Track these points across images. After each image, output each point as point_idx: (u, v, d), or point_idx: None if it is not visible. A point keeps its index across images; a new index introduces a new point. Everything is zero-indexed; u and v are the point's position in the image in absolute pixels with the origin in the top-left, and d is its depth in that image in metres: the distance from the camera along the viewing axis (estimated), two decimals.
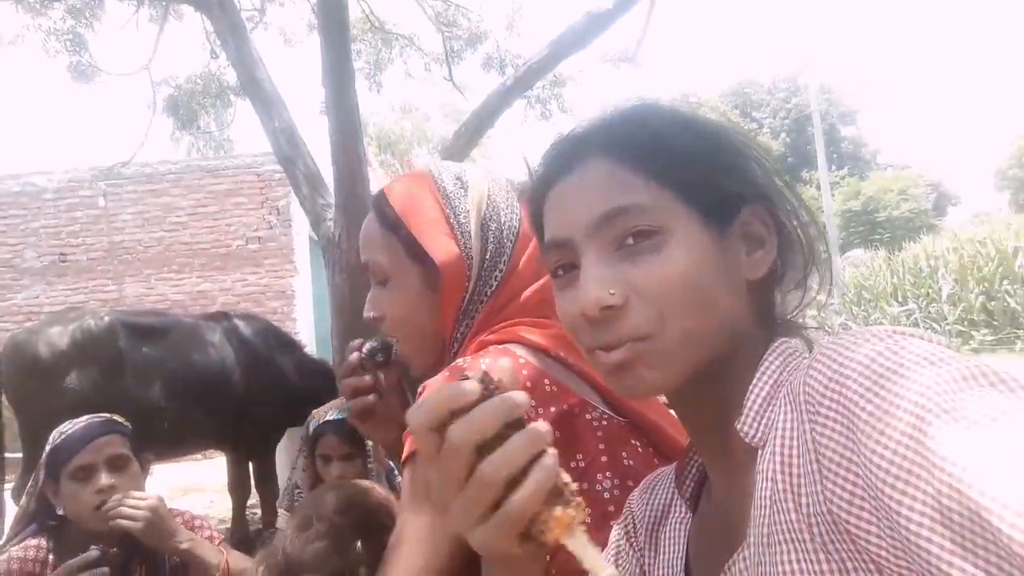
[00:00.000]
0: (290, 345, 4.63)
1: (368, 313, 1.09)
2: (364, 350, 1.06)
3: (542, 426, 0.52)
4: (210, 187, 10.00)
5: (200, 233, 9.94)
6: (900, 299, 12.93)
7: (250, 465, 4.39)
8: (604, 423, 0.90)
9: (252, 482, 4.40)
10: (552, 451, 0.52)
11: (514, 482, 0.50)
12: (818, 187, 20.25)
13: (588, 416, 0.90)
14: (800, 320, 0.71)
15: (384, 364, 1.06)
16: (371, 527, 0.96)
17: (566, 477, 0.53)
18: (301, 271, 9.84)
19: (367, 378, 1.08)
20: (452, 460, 0.51)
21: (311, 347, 8.24)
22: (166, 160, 10.50)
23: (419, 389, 0.92)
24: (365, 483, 1.12)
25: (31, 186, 10.09)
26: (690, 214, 0.63)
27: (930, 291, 12.45)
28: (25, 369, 3.86)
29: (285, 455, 4.24)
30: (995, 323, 11.11)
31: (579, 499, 0.53)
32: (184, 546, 1.57)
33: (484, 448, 0.50)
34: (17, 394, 3.91)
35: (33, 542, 1.57)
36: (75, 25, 7.27)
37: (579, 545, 0.52)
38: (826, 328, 0.76)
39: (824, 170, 19.22)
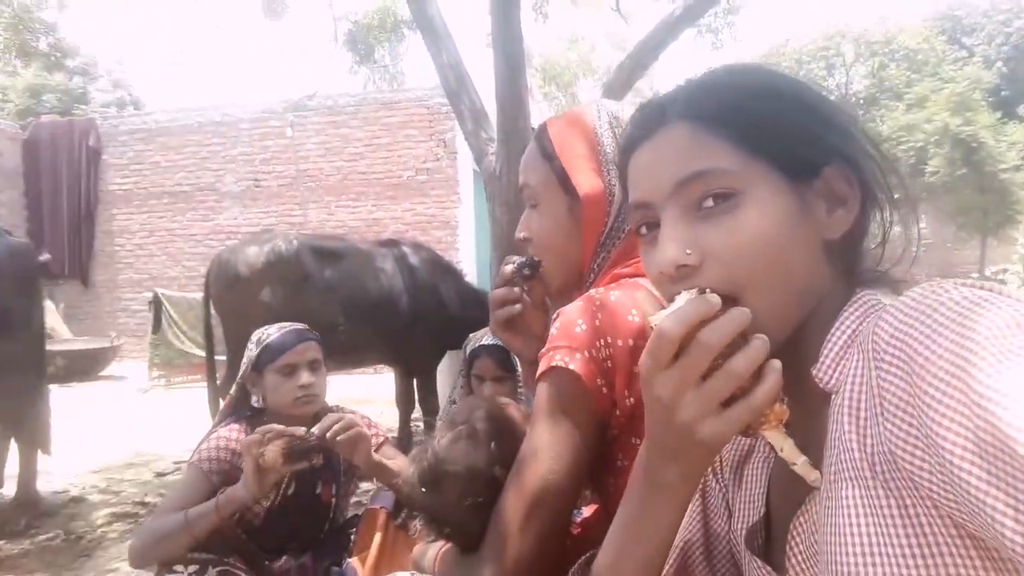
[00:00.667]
0: (452, 273, 4.88)
1: (519, 233, 1.19)
2: (515, 264, 1.17)
3: (764, 337, 0.60)
4: (384, 120, 10.50)
5: (375, 163, 10.52)
6: None
7: (414, 382, 4.75)
8: None
9: (416, 397, 4.76)
10: (776, 362, 0.61)
11: (751, 378, 0.59)
12: None
13: None
14: (885, 272, 0.71)
15: (530, 278, 1.16)
16: (505, 434, 1.08)
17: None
18: (464, 202, 10.18)
19: (515, 290, 1.19)
20: (699, 359, 0.59)
21: (471, 276, 8.63)
22: (345, 93, 11.14)
23: (554, 316, 1.00)
24: (505, 400, 1.23)
25: (229, 116, 11.10)
26: (769, 176, 0.65)
27: None
28: (228, 283, 4.41)
29: (447, 375, 4.55)
30: None
31: (785, 399, 0.61)
32: (376, 459, 1.75)
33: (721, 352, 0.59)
34: (221, 304, 4.49)
35: (236, 426, 1.85)
36: None
37: (782, 437, 0.62)
38: (910, 281, 0.74)
39: None
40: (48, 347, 4.13)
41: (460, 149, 9.77)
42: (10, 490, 3.73)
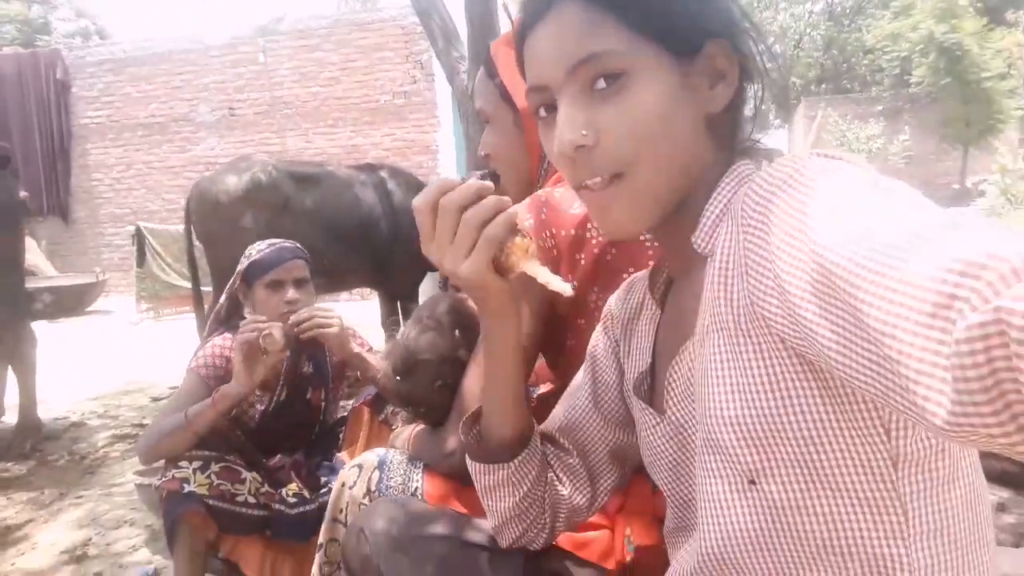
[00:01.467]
0: None
1: (481, 151, 1.29)
2: (475, 178, 1.27)
3: (505, 198, 0.74)
4: (358, 41, 10.24)
5: (351, 88, 10.32)
6: None
7: (398, 304, 4.87)
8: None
9: (400, 319, 4.89)
10: (513, 206, 0.74)
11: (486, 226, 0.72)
12: None
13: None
14: (758, 143, 0.79)
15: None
16: (465, 322, 1.21)
17: (523, 223, 0.73)
18: (444, 126, 10.09)
19: None
20: (445, 220, 0.73)
21: None
22: (317, 15, 10.83)
23: None
24: (463, 294, 1.34)
25: (198, 43, 10.79)
26: (658, 53, 0.69)
27: None
28: (209, 211, 4.46)
29: (429, 296, 4.68)
30: None
31: (531, 236, 0.74)
32: (356, 351, 1.92)
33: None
34: (203, 233, 4.55)
35: (229, 335, 1.96)
36: None
37: (534, 267, 0.73)
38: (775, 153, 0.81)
39: None
40: (34, 284, 4.22)
41: (437, 71, 9.61)
42: (12, 419, 3.87)
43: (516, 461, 0.89)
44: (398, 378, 1.21)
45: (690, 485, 0.79)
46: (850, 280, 0.48)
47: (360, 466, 1.17)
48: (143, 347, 6.69)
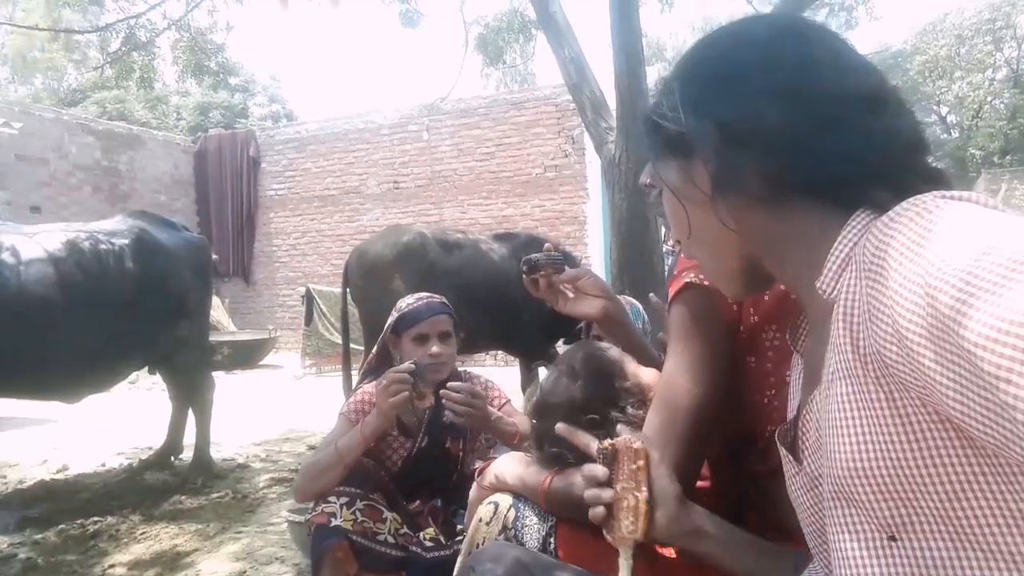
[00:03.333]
0: (569, 261, 5.06)
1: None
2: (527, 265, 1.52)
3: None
4: (514, 119, 10.79)
5: (505, 162, 10.83)
6: None
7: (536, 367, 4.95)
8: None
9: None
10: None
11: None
12: None
13: None
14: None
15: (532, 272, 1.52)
16: (602, 372, 1.20)
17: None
18: (592, 197, 10.27)
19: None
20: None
21: (599, 267, 8.71)
22: (477, 95, 11.54)
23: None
24: (604, 344, 1.35)
25: (371, 123, 11.82)
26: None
27: None
28: (363, 273, 4.82)
29: None
30: None
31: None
32: (491, 422, 1.93)
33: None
34: (358, 292, 4.91)
35: (376, 384, 2.08)
36: None
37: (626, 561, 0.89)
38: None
39: None
40: (216, 337, 4.72)
41: (588, 145, 9.86)
42: (188, 456, 4.28)
43: None
44: (533, 421, 1.24)
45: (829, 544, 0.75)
46: (962, 322, 0.46)
47: (496, 504, 1.19)
48: (304, 399, 7.17)
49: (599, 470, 0.90)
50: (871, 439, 0.61)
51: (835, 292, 0.68)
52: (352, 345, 5.19)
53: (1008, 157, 19.33)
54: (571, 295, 1.49)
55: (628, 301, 2.67)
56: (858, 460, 0.62)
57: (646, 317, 2.71)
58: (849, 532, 0.66)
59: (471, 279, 4.68)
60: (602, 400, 1.16)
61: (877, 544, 0.63)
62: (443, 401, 1.86)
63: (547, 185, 10.53)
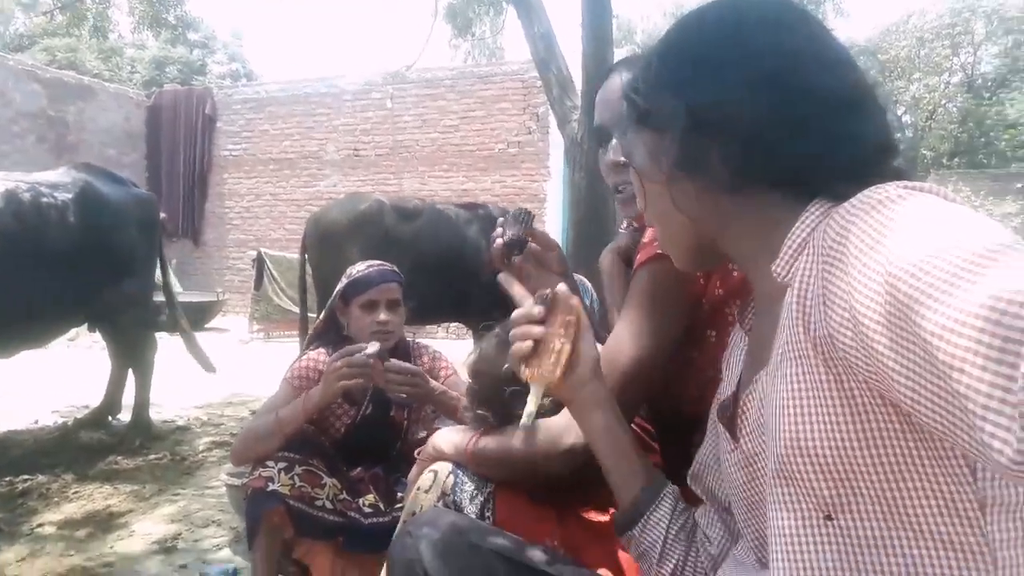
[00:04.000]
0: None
1: (615, 157, 1.33)
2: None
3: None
4: (480, 93, 10.70)
5: (468, 136, 10.76)
6: None
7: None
8: None
9: None
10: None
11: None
12: None
13: None
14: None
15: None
16: None
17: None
18: (554, 176, 10.29)
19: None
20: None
21: None
22: (444, 66, 11.40)
23: None
24: None
25: (334, 87, 11.58)
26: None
27: None
28: (318, 239, 4.76)
29: None
30: None
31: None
32: (436, 396, 1.91)
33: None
34: (314, 259, 4.84)
35: (324, 350, 2.05)
36: None
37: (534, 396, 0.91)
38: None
39: None
40: (160, 298, 4.59)
41: (552, 123, 9.84)
42: (126, 417, 4.17)
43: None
44: (470, 381, 1.25)
45: (763, 520, 0.76)
46: (920, 311, 0.47)
47: (435, 472, 1.19)
48: (251, 364, 7.05)
49: (535, 308, 0.92)
50: (816, 419, 0.62)
51: (789, 276, 0.69)
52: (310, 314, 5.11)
53: (956, 159, 19.93)
54: (533, 273, 1.45)
55: (579, 279, 2.68)
56: (802, 439, 0.63)
57: (595, 295, 2.73)
58: (787, 510, 0.66)
59: (427, 248, 4.64)
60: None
61: (814, 522, 0.64)
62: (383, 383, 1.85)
63: (509, 161, 10.49)
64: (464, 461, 1.17)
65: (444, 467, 1.18)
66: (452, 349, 2.93)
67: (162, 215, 4.55)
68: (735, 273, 1.05)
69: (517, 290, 1.01)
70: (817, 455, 0.62)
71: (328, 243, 4.71)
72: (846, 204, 0.63)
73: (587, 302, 2.59)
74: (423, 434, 2.15)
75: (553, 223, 10.17)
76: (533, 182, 10.37)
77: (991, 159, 19.66)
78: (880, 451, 0.59)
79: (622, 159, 1.19)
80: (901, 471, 0.58)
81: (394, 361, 1.87)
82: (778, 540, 0.68)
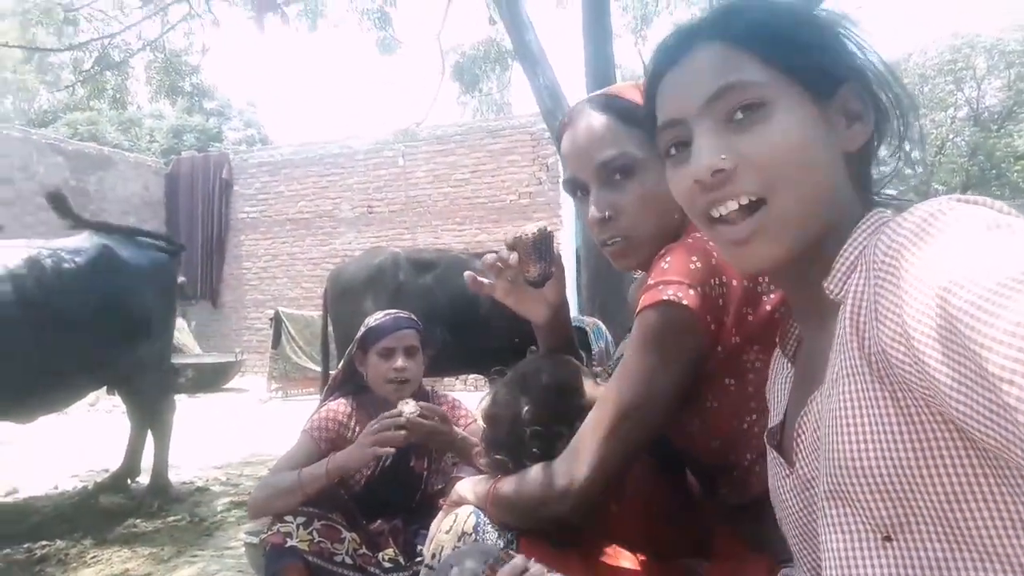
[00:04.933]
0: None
1: (599, 213, 1.15)
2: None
3: None
4: (489, 146, 10.85)
5: (480, 189, 10.87)
6: None
7: None
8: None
9: None
10: None
11: None
12: None
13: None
14: (894, 191, 0.76)
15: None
16: (554, 388, 1.18)
17: None
18: (566, 225, 10.33)
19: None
20: None
21: (570, 294, 8.72)
22: (454, 123, 11.62)
23: (661, 252, 1.03)
24: (565, 358, 1.31)
25: (347, 148, 11.82)
26: (793, 89, 0.70)
27: None
28: (337, 295, 4.79)
29: None
30: None
31: None
32: (456, 444, 1.88)
33: None
34: (334, 314, 4.87)
35: (344, 400, 2.04)
36: (383, 4, 8.36)
37: None
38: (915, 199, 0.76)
39: None
40: (180, 360, 4.61)
41: (562, 173, 9.91)
42: (145, 479, 4.15)
43: None
44: (484, 426, 1.22)
45: (818, 547, 0.73)
46: (970, 324, 0.46)
47: (456, 513, 1.16)
48: (270, 422, 7.03)
49: None
50: (873, 437, 0.60)
51: (842, 293, 0.67)
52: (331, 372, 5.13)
53: (969, 192, 19.86)
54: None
55: (594, 322, 2.68)
56: (858, 458, 0.61)
57: (610, 338, 2.72)
58: (843, 531, 0.64)
59: (441, 298, 4.63)
60: (550, 415, 1.13)
61: (871, 544, 0.62)
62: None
63: (521, 212, 10.56)
64: (485, 508, 1.14)
65: (465, 509, 1.16)
66: (470, 401, 2.90)
67: (181, 278, 4.60)
68: (750, 318, 0.98)
69: None
70: (874, 474, 0.60)
71: (347, 297, 4.74)
72: (897, 218, 0.62)
73: (601, 345, 2.58)
74: (443, 485, 2.12)
75: (568, 270, 10.17)
76: None
77: (1004, 191, 19.60)
78: (940, 469, 0.57)
79: (607, 213, 1.14)
80: (963, 490, 0.56)
81: (423, 403, 1.86)
82: (832, 563, 0.65)
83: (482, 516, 1.12)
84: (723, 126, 0.71)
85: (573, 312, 2.15)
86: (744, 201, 0.70)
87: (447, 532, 1.13)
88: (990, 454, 0.54)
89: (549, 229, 1.26)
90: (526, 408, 1.14)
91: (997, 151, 19.64)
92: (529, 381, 1.19)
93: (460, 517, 1.14)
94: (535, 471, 1.05)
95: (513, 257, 1.24)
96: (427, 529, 1.90)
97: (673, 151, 0.77)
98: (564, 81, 5.02)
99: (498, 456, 1.16)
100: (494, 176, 10.82)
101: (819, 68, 0.71)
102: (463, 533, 1.11)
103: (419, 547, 1.88)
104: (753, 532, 0.98)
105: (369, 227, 11.59)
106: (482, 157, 10.92)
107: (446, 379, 8.03)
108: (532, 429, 1.11)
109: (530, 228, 1.24)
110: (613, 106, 1.17)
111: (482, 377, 5.08)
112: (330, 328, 5.05)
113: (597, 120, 1.18)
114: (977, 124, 20.49)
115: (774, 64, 0.70)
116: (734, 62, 0.71)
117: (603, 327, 2.76)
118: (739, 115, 0.70)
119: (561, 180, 1.30)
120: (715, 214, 0.72)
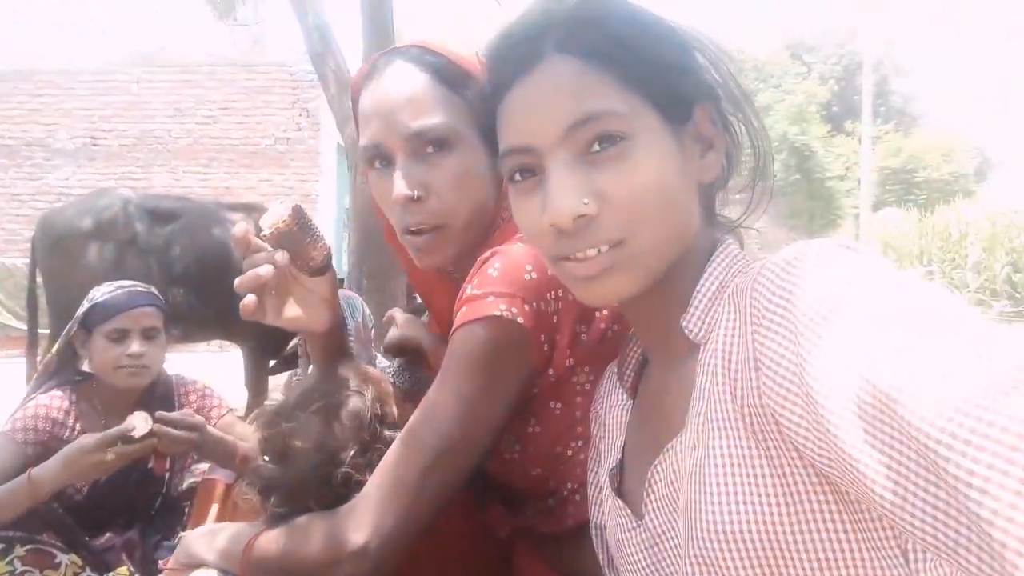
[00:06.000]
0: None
1: (408, 191, 0.94)
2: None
3: None
4: (243, 82, 10.03)
5: (230, 128, 10.02)
6: (925, 262, 12.79)
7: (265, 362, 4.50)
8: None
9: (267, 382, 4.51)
10: None
11: None
12: (860, 140, 19.78)
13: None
14: (735, 220, 0.74)
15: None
16: (363, 417, 0.96)
17: None
18: (326, 176, 9.91)
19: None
20: None
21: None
22: (202, 50, 10.48)
23: (487, 253, 0.89)
24: (371, 370, 1.12)
25: (69, 65, 10.16)
26: (651, 117, 0.64)
27: (956, 257, 12.31)
28: (50, 245, 4.04)
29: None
30: (1017, 295, 11.01)
31: None
32: (208, 448, 1.63)
33: None
34: (46, 268, 4.10)
35: (59, 393, 1.68)
36: None
37: None
38: (757, 229, 0.77)
39: (868, 123, 18.72)
40: None
41: (324, 121, 9.47)
42: None
43: None
44: (265, 458, 0.99)
45: None
46: (919, 414, 0.41)
47: None
48: None
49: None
50: (745, 499, 0.57)
51: (702, 332, 0.63)
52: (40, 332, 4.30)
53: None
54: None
55: (345, 295, 2.50)
56: (729, 522, 0.57)
57: (367, 311, 2.59)
58: None
59: (187, 256, 4.09)
60: (370, 454, 0.93)
61: None
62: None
63: (277, 159, 9.92)
64: (237, 573, 0.90)
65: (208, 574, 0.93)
66: (216, 363, 2.60)
67: None
68: (584, 337, 0.88)
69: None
70: (745, 541, 0.57)
71: (62, 247, 4.00)
72: (775, 262, 0.58)
73: (358, 319, 2.44)
74: (190, 481, 1.86)
75: (326, 227, 9.77)
76: (304, 182, 9.88)
77: None
78: (812, 535, 0.55)
79: (416, 193, 0.94)
80: (835, 555, 0.55)
81: (165, 414, 1.56)
82: None
83: None
84: (579, 160, 0.63)
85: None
86: (604, 248, 0.64)
87: None
88: (862, 516, 0.53)
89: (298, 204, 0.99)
90: (350, 445, 0.94)
91: None
92: (343, 410, 0.97)
93: None
94: (315, 524, 0.86)
95: (282, 256, 0.96)
96: (170, 540, 1.67)
97: (518, 177, 0.68)
98: (336, 26, 4.68)
99: (282, 510, 0.92)
100: (247, 116, 10.00)
101: (675, 90, 0.65)
102: None
103: (160, 561, 1.63)
104: (570, 566, 0.93)
105: (93, 161, 10.10)
106: (234, 93, 10.02)
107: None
108: (343, 472, 0.91)
109: (278, 213, 0.95)
110: (434, 65, 0.97)
111: (231, 343, 4.63)
112: (40, 281, 4.24)
113: (415, 78, 0.96)
114: None
115: (634, 89, 0.63)
116: (593, 86, 0.63)
117: (357, 300, 2.61)
118: (596, 147, 0.63)
119: (360, 146, 1.02)
120: (570, 257, 0.65)
